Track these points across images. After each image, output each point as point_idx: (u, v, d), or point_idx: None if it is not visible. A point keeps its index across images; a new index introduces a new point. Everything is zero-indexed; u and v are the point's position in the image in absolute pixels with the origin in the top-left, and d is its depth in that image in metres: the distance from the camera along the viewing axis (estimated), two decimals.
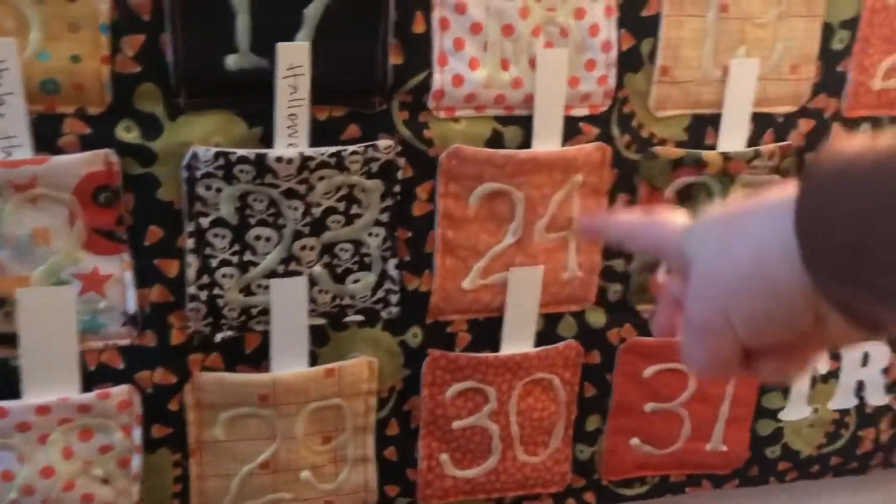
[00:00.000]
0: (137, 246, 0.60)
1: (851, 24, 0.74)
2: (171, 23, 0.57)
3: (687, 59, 0.71)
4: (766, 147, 0.75)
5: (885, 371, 0.86)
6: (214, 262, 0.62)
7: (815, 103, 0.76)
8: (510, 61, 0.66)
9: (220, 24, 0.58)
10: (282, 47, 0.59)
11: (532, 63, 0.67)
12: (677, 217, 0.42)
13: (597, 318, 0.75)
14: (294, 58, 0.60)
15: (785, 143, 0.76)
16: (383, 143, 0.64)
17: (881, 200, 0.31)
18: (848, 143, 0.34)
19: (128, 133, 0.58)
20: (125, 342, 0.61)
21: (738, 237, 0.37)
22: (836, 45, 0.75)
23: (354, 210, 0.66)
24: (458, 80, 0.65)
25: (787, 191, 0.35)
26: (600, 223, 0.52)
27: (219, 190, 0.61)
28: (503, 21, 0.64)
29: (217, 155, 0.60)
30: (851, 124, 0.77)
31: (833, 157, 0.34)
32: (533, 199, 0.70)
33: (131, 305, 0.61)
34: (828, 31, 0.74)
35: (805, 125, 0.76)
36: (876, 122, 0.78)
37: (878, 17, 0.75)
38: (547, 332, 0.74)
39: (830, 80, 0.76)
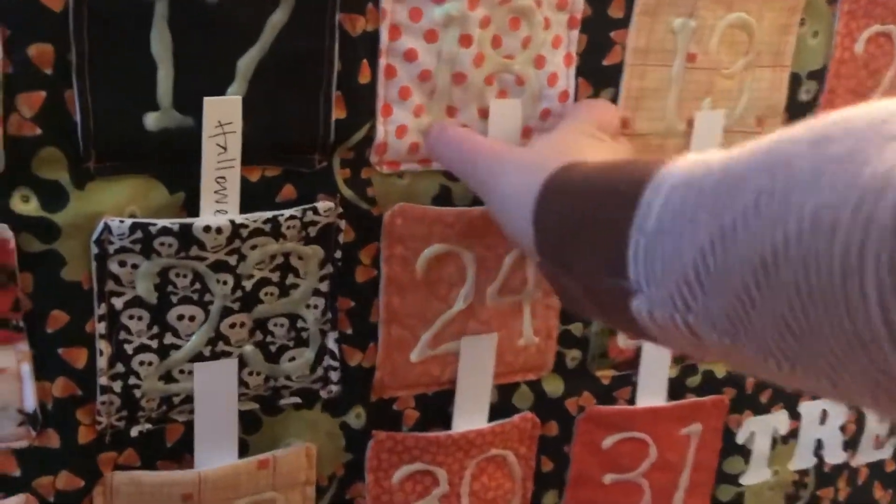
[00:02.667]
0: (38, 334, 0.51)
1: (819, 75, 0.71)
2: (78, 77, 0.48)
3: (649, 111, 0.66)
4: None
5: (843, 428, 0.83)
6: (130, 348, 0.54)
7: None
8: (457, 109, 0.60)
9: (137, 78, 0.50)
10: (209, 102, 0.51)
11: (481, 112, 0.61)
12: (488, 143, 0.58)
13: (554, 387, 0.70)
14: (223, 114, 0.52)
15: None
16: (323, 205, 0.57)
17: (580, 207, 0.44)
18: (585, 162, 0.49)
19: (25, 204, 0.49)
20: (22, 444, 0.52)
21: (497, 195, 0.53)
22: (803, 97, 0.71)
23: (290, 280, 0.58)
24: (401, 130, 0.58)
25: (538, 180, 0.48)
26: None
27: (135, 266, 0.53)
28: (455, 69, 0.58)
29: (134, 227, 0.51)
30: None
31: (572, 168, 0.48)
32: (485, 261, 0.64)
33: (29, 402, 0.52)
34: (795, 82, 0.70)
35: None
36: None
37: (844, 68, 0.71)
38: (501, 405, 0.68)
39: None
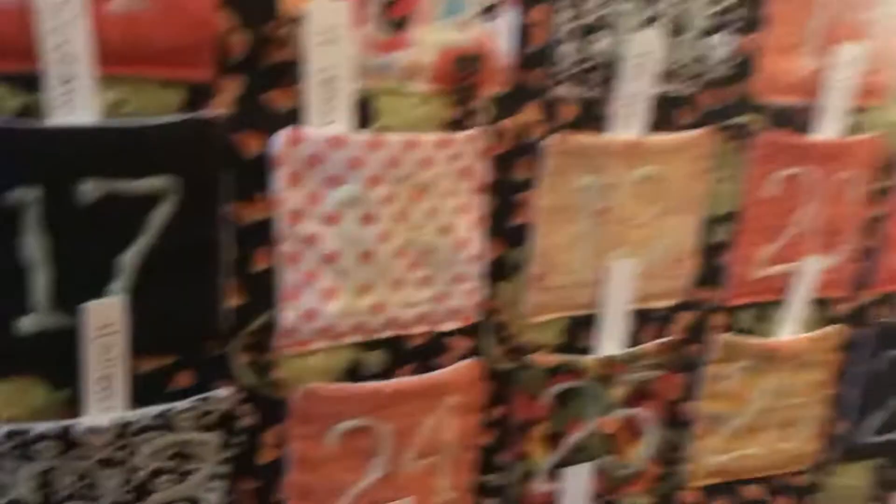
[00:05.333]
0: None
1: (730, 218, 0.71)
2: None
3: (562, 265, 0.65)
4: (646, 347, 0.70)
5: None
6: None
7: (695, 295, 0.72)
8: (370, 286, 0.58)
9: (10, 282, 0.47)
10: (90, 308, 0.49)
11: (395, 286, 0.59)
12: None
13: None
14: (105, 316, 0.49)
15: (665, 339, 0.71)
16: (220, 393, 0.55)
17: None
18: None
19: None
20: None
21: None
22: (717, 239, 0.71)
23: (188, 466, 0.55)
24: (310, 314, 0.56)
25: None
26: None
27: (14, 471, 0.50)
28: (361, 248, 0.56)
29: (10, 434, 0.48)
30: (733, 312, 0.74)
31: None
32: (401, 430, 0.62)
33: None
34: (708, 226, 0.70)
35: (685, 318, 0.72)
36: (760, 307, 0.75)
37: (755, 210, 0.71)
38: None
39: (711, 272, 0.71)
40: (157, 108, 0.49)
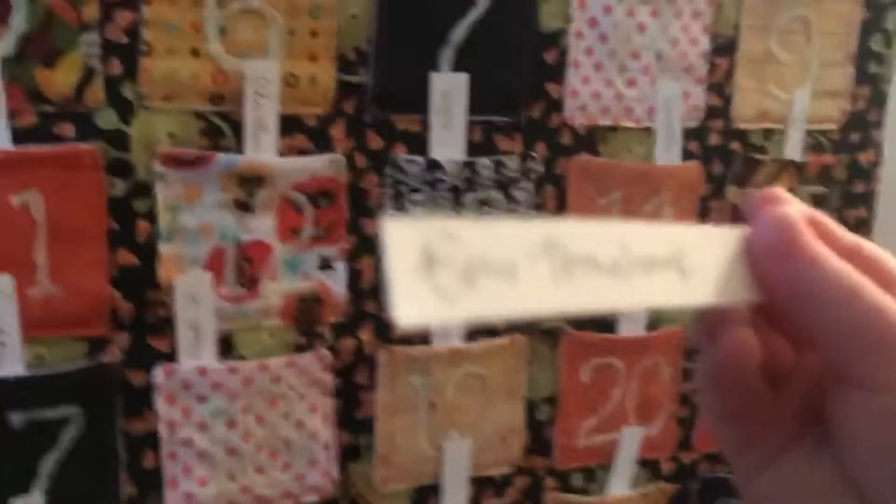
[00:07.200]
0: None
1: (551, 400, 0.88)
2: None
3: (403, 447, 0.83)
4: None
5: None
6: None
7: (528, 463, 0.88)
8: (237, 474, 0.76)
9: None
10: None
11: (258, 471, 0.77)
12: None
13: None
14: None
15: (502, 500, 0.87)
16: None
17: None
18: None
19: None
20: None
21: None
22: (541, 417, 0.88)
23: None
24: (189, 497, 0.75)
25: None
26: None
27: None
28: (227, 446, 0.75)
29: None
30: (562, 476, 0.90)
31: None
32: None
33: None
34: (531, 406, 0.87)
35: (520, 482, 0.88)
36: (589, 470, 0.91)
37: (573, 394, 0.88)
38: None
39: (539, 444, 0.88)
40: (69, 358, 0.70)
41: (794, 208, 0.30)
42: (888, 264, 0.30)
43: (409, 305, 0.24)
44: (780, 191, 0.32)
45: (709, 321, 0.31)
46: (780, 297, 0.29)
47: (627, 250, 0.29)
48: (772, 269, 0.30)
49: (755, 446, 0.32)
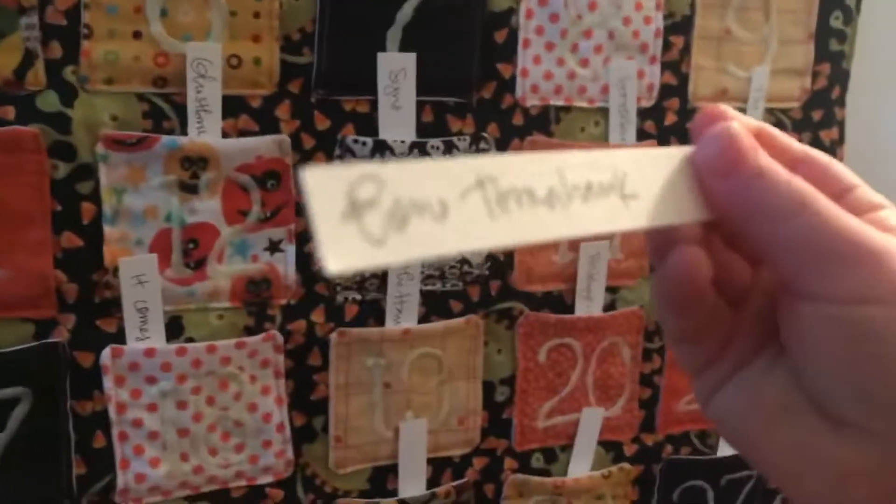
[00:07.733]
0: None
1: (509, 381, 0.88)
2: None
3: (359, 428, 0.83)
4: (442, 488, 0.87)
5: None
6: None
7: (486, 444, 0.88)
8: (190, 454, 0.77)
9: None
10: None
11: (211, 452, 0.77)
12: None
13: None
14: None
15: (461, 481, 0.88)
16: None
17: None
18: None
19: None
20: None
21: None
22: (499, 398, 0.88)
23: None
24: (140, 477, 0.75)
25: None
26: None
27: None
28: (178, 427, 0.76)
29: None
30: (522, 457, 0.90)
31: None
32: None
33: None
34: (489, 388, 0.87)
35: (479, 462, 0.88)
36: (549, 451, 0.91)
37: (531, 374, 0.88)
38: None
39: (498, 425, 0.88)
40: (16, 339, 0.70)
41: (737, 122, 0.30)
42: (840, 173, 0.30)
43: (337, 251, 0.23)
44: (723, 107, 0.31)
45: (658, 242, 0.32)
46: (728, 213, 0.29)
47: (564, 179, 0.28)
48: (717, 185, 0.29)
49: (715, 364, 0.32)
